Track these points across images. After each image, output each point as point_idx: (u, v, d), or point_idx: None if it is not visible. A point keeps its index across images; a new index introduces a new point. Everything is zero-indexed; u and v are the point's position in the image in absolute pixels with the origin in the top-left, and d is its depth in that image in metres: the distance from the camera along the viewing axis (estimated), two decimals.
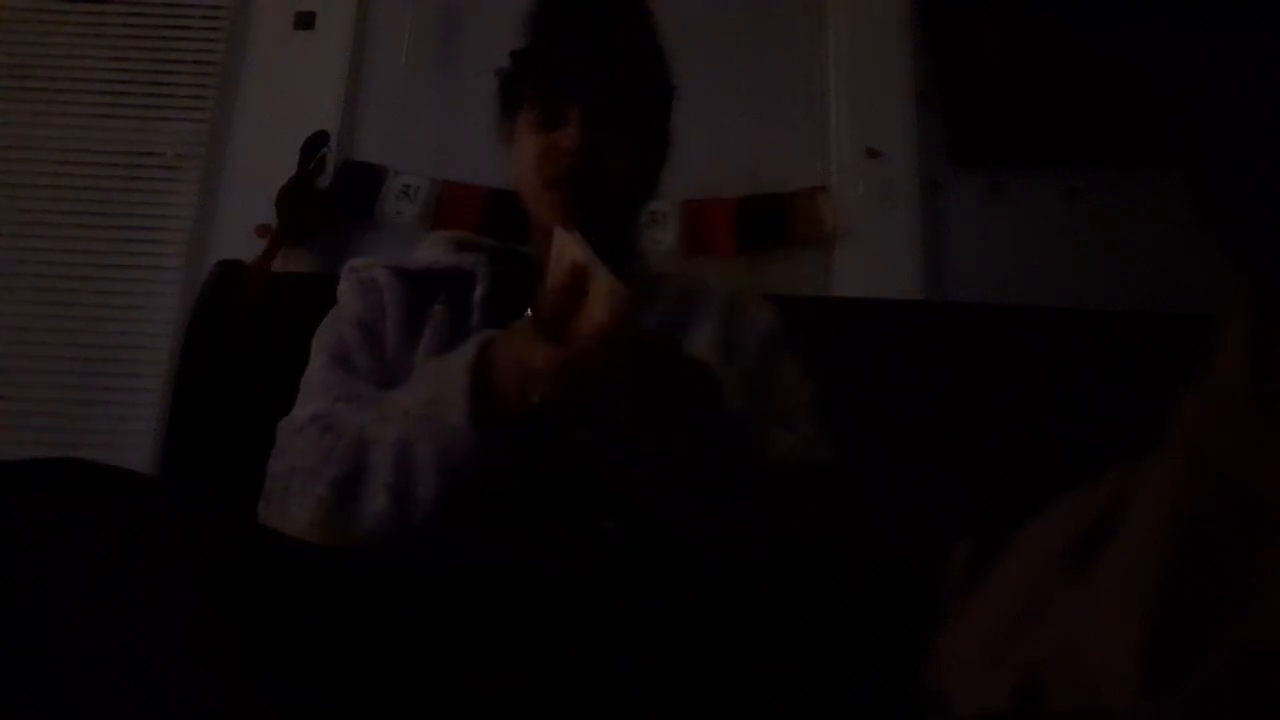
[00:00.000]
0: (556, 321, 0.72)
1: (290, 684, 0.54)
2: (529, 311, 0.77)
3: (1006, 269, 1.92)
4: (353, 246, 1.92)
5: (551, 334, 0.72)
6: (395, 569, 0.67)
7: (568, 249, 0.74)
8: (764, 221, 1.95)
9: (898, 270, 1.92)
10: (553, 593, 0.68)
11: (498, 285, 1.03)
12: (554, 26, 1.04)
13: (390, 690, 0.58)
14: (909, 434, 1.29)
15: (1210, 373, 0.47)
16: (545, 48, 1.03)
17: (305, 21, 2.13)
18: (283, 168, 1.98)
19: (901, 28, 2.09)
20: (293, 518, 0.81)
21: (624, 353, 0.70)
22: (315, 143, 1.99)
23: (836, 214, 1.97)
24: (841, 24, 2.11)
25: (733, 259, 1.92)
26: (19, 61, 2.13)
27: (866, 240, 1.96)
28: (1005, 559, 0.56)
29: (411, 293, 1.02)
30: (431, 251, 1.09)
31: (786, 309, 1.11)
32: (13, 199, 2.06)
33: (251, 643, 0.53)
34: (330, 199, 1.96)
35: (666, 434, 0.75)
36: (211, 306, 1.41)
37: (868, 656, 0.62)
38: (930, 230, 1.97)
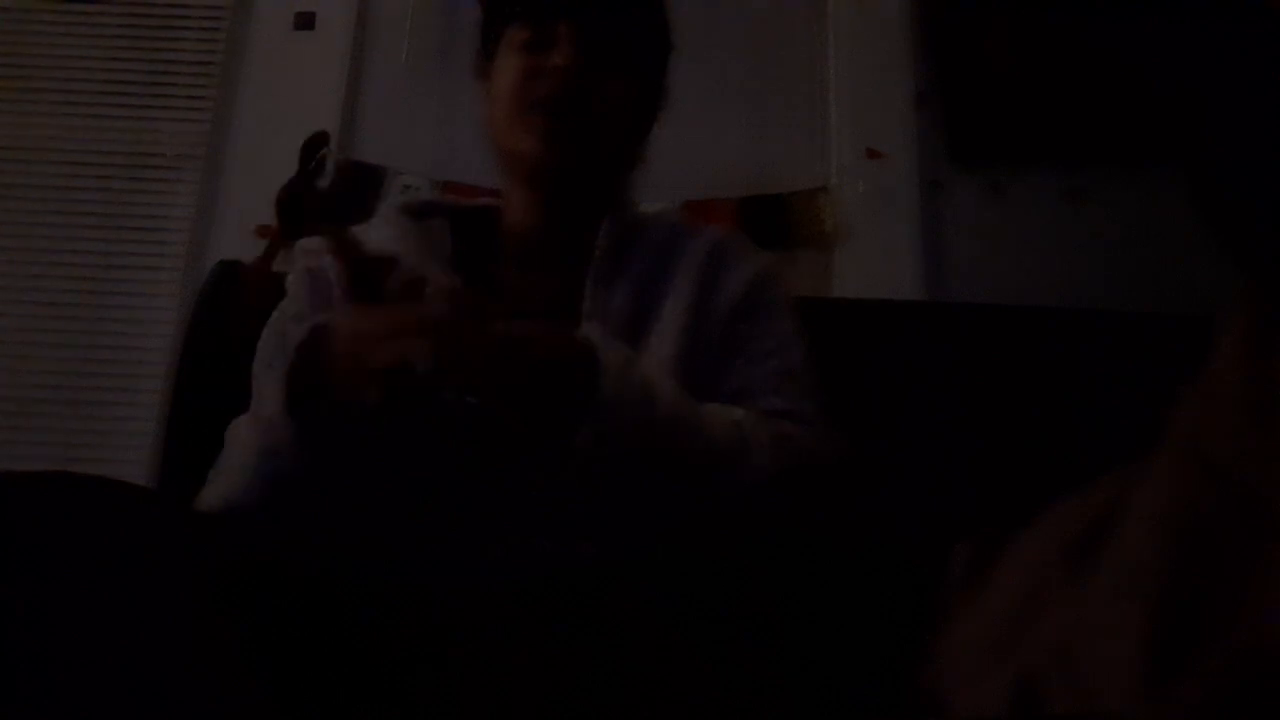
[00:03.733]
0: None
1: (286, 687, 0.54)
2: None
3: (1006, 269, 1.92)
4: None
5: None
6: (393, 580, 0.67)
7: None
8: (764, 222, 1.95)
9: (898, 270, 1.92)
10: (546, 606, 0.68)
11: (458, 263, 0.94)
12: None
13: (382, 695, 0.58)
14: (909, 434, 1.29)
15: (1210, 373, 0.47)
16: None
17: (305, 22, 2.13)
18: (283, 168, 1.98)
19: (901, 28, 2.09)
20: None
21: (458, 334, 0.67)
22: (315, 143, 1.99)
23: (837, 215, 1.97)
24: (841, 24, 2.11)
25: None
26: (19, 61, 2.13)
27: (866, 240, 1.96)
28: (1005, 559, 0.56)
29: None
30: (385, 229, 0.99)
31: None
32: (13, 199, 2.06)
33: (248, 646, 0.53)
34: (330, 199, 1.96)
35: (545, 421, 0.71)
36: (211, 306, 1.40)
37: (868, 656, 0.62)
38: (930, 230, 1.97)
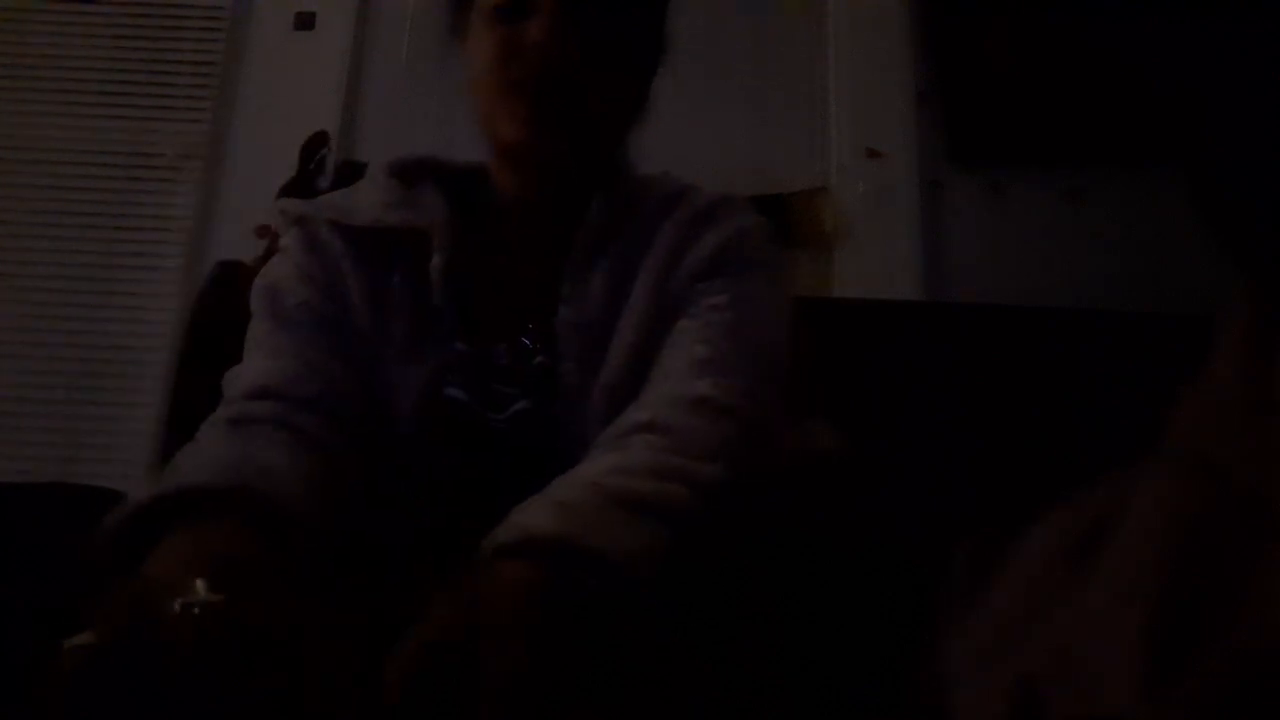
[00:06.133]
0: None
1: (286, 687, 0.54)
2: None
3: (1006, 269, 1.92)
4: None
5: None
6: (392, 580, 0.67)
7: None
8: None
9: (898, 270, 1.92)
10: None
11: (455, 242, 0.88)
12: None
13: (382, 695, 0.58)
14: (909, 434, 1.29)
15: (1209, 374, 0.47)
16: None
17: (305, 22, 2.13)
18: (283, 168, 1.98)
19: (901, 28, 2.09)
20: None
21: None
22: (315, 143, 1.99)
23: (837, 214, 1.97)
24: (841, 24, 2.11)
25: None
26: (19, 61, 2.13)
27: (866, 240, 1.96)
28: (1005, 559, 0.56)
29: (367, 259, 0.88)
30: (376, 194, 0.91)
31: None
32: (13, 199, 2.06)
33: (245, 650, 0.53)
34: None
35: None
36: (211, 306, 1.40)
37: (868, 656, 0.62)
38: (930, 230, 1.97)
